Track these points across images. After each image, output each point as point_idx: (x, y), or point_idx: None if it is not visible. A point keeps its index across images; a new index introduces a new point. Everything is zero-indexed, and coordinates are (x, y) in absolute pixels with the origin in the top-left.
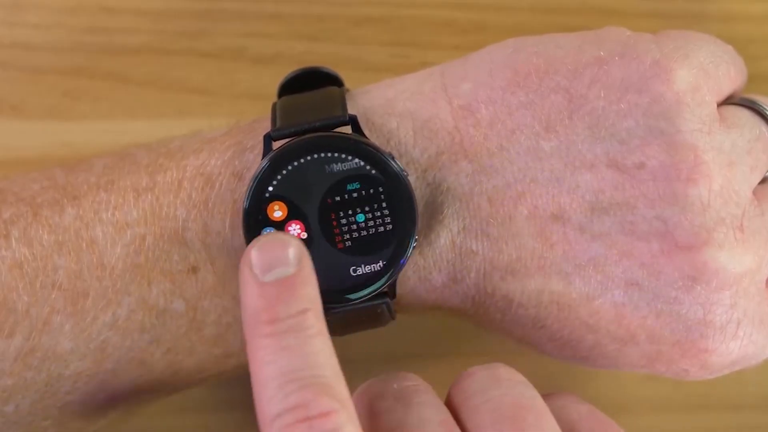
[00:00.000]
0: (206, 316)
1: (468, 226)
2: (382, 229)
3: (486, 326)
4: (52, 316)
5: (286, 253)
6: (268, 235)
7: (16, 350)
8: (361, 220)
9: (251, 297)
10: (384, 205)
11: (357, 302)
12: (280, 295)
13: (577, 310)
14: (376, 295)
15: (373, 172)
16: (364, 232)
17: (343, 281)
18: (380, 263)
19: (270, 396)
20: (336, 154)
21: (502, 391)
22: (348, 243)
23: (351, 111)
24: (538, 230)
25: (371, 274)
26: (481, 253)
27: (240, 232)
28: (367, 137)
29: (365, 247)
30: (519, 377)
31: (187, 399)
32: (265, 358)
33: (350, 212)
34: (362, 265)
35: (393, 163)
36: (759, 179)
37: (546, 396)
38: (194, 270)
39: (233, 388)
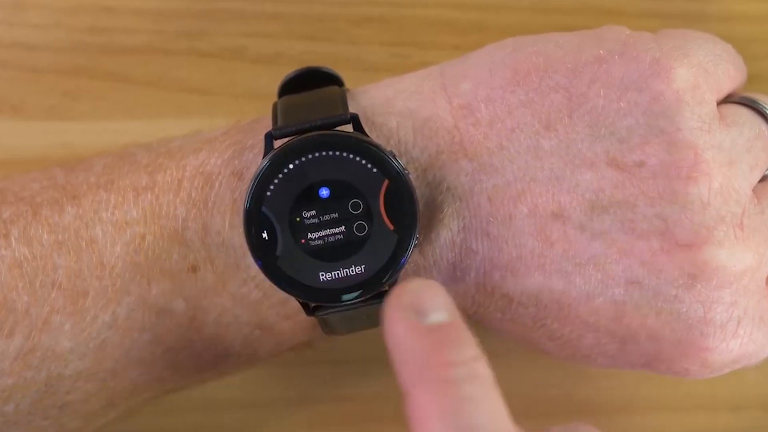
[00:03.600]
0: (206, 315)
1: (468, 225)
2: (383, 228)
3: (486, 325)
4: (52, 315)
5: (441, 300)
6: (418, 280)
7: (16, 350)
8: (363, 219)
9: (413, 339)
10: (384, 204)
11: (358, 302)
12: (451, 338)
13: (578, 309)
14: (377, 294)
15: (375, 170)
16: (365, 231)
17: (343, 280)
18: (381, 263)
19: None
20: (337, 153)
21: None
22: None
23: (351, 110)
24: (538, 229)
25: (372, 272)
26: (481, 252)
27: (240, 231)
28: (368, 136)
29: (366, 246)
30: None
31: (187, 399)
32: (440, 409)
33: (351, 211)
34: (363, 264)
35: (394, 161)
36: (759, 177)
37: None
38: (194, 269)
39: (233, 388)
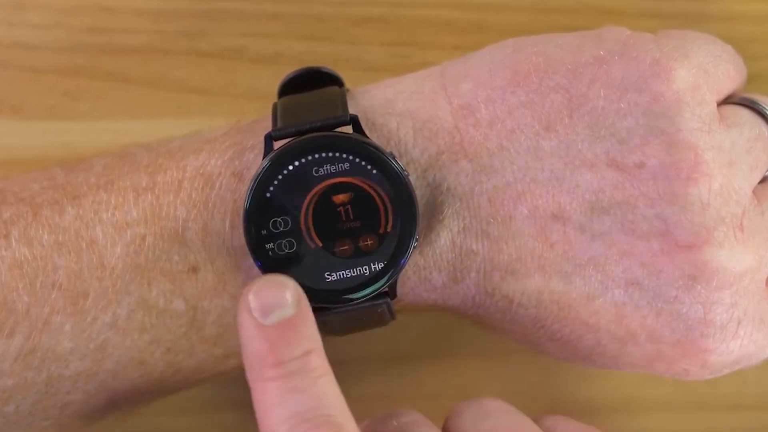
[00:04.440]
0: (206, 316)
1: (468, 225)
2: (382, 229)
3: (486, 326)
4: (52, 316)
5: (284, 295)
6: (264, 278)
7: (16, 350)
8: (362, 220)
9: (253, 340)
10: (385, 205)
11: (358, 302)
12: (283, 337)
13: (578, 310)
14: (377, 295)
15: (374, 171)
16: (365, 233)
17: (343, 281)
18: (381, 263)
19: None
20: (337, 154)
21: (493, 422)
22: (349, 243)
23: (351, 111)
24: (538, 230)
25: (372, 273)
26: (482, 252)
27: (240, 232)
28: (368, 137)
29: (366, 247)
30: (506, 406)
31: (187, 399)
32: (272, 401)
33: (351, 212)
34: (363, 265)
35: (394, 163)
36: (759, 178)
37: (536, 418)
38: (194, 270)
39: (233, 388)
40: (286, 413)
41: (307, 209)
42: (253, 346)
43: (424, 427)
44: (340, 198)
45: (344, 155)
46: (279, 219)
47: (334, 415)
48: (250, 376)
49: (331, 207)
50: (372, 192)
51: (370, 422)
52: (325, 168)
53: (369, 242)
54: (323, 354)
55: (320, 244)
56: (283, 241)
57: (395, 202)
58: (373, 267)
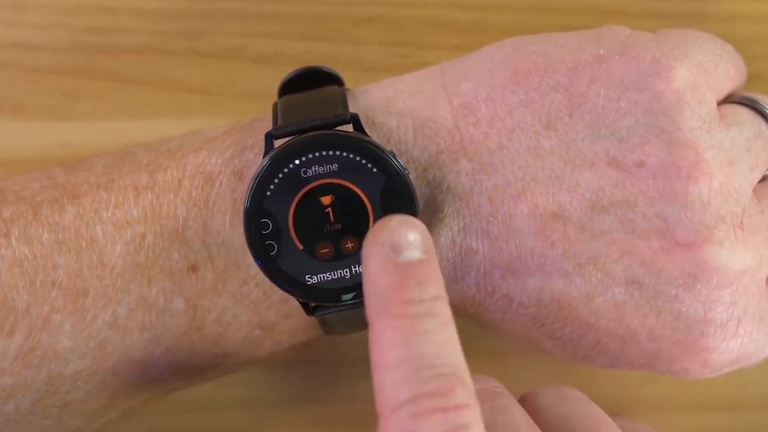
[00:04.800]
0: (206, 314)
1: (468, 224)
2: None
3: (486, 325)
4: (52, 314)
5: (417, 237)
6: (400, 216)
7: (16, 349)
8: (362, 219)
9: (384, 274)
10: (385, 203)
11: (357, 301)
12: (416, 277)
13: (578, 309)
14: None
15: (375, 170)
16: (365, 231)
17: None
18: None
19: (399, 380)
20: (337, 153)
21: (572, 408)
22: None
23: (352, 110)
24: (538, 229)
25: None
26: (482, 251)
27: (240, 230)
28: (368, 135)
29: (347, 250)
30: (585, 398)
31: (187, 399)
32: (395, 339)
33: (351, 211)
34: (343, 268)
35: (394, 161)
36: (759, 177)
37: (616, 416)
38: (194, 269)
39: (233, 388)
40: (410, 354)
41: (301, 208)
42: (383, 280)
43: (507, 397)
44: (339, 196)
45: (344, 154)
46: (279, 218)
47: (459, 367)
48: (372, 311)
49: (321, 206)
50: (372, 191)
51: None
52: (324, 166)
53: (350, 245)
54: (448, 304)
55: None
56: (283, 240)
57: (395, 200)
58: (354, 269)
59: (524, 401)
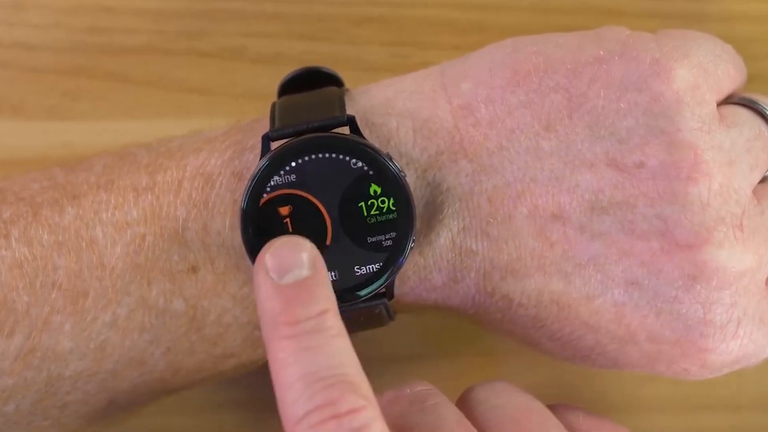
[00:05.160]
0: (206, 315)
1: (468, 225)
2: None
3: (486, 326)
4: (52, 315)
5: (300, 256)
6: (281, 238)
7: (16, 350)
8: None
9: (269, 300)
10: (381, 206)
11: (354, 303)
12: (299, 297)
13: (577, 310)
14: (374, 295)
15: (371, 173)
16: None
17: (341, 282)
18: (378, 264)
19: (295, 397)
20: (333, 155)
21: (505, 399)
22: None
23: (350, 111)
24: (537, 230)
25: (369, 274)
26: (481, 252)
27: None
28: (365, 138)
29: (363, 248)
30: (519, 389)
31: (187, 399)
32: (287, 360)
33: (348, 212)
34: (360, 266)
35: (390, 163)
36: (759, 178)
37: (553, 407)
38: (194, 270)
39: (233, 388)
40: (300, 371)
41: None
42: (269, 305)
43: (438, 396)
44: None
45: (340, 156)
46: (276, 219)
47: (348, 374)
48: (265, 335)
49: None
50: (368, 193)
51: (384, 392)
52: (321, 168)
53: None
54: (338, 315)
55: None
56: None
57: (392, 203)
58: (370, 268)
59: (461, 399)
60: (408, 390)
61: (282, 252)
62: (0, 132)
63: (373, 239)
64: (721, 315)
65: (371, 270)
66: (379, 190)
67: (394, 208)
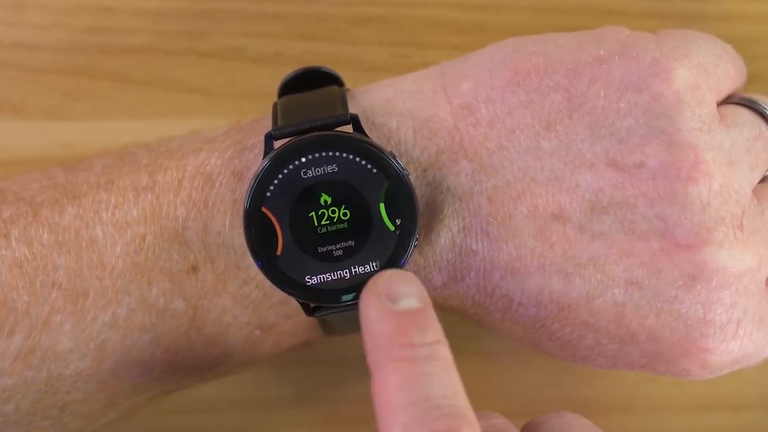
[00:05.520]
0: (206, 315)
1: (468, 225)
2: (383, 228)
3: (486, 325)
4: (52, 315)
5: (412, 288)
6: (393, 270)
7: (16, 349)
8: (362, 220)
9: (383, 322)
10: (385, 204)
11: (357, 302)
12: (416, 322)
13: (577, 310)
14: None
15: (375, 171)
16: (365, 232)
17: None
18: (380, 263)
19: (406, 422)
20: (337, 153)
21: None
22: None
23: (351, 110)
24: (538, 229)
25: (371, 273)
26: (481, 252)
27: (240, 231)
28: (368, 136)
29: (366, 247)
30: (588, 422)
31: (187, 399)
32: (399, 383)
33: (351, 212)
34: (362, 265)
35: (394, 162)
36: (759, 178)
37: None
38: (194, 269)
39: (233, 388)
40: (412, 397)
41: (301, 209)
42: (383, 327)
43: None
44: (339, 198)
45: (344, 154)
46: (278, 218)
47: (460, 407)
48: (375, 357)
49: (331, 206)
50: (372, 192)
51: None
52: (324, 167)
53: (350, 245)
54: (449, 350)
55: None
56: (283, 241)
57: (395, 201)
58: (373, 266)
59: (527, 430)
60: (483, 422)
61: (396, 281)
62: (0, 132)
63: (323, 249)
64: (721, 315)
65: (373, 269)
66: (329, 200)
67: (345, 218)
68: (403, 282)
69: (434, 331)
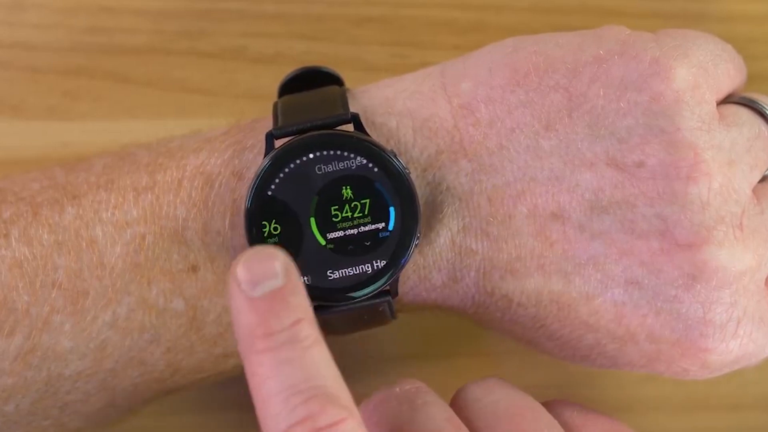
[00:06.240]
0: (206, 315)
1: (468, 225)
2: (384, 227)
3: (486, 325)
4: (52, 315)
5: (273, 266)
6: (253, 249)
7: (16, 349)
8: (364, 218)
9: (242, 314)
10: (386, 203)
11: (359, 300)
12: (272, 309)
13: (577, 309)
14: (378, 293)
15: (376, 170)
16: (366, 231)
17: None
18: (382, 261)
19: (275, 412)
20: (338, 152)
21: (498, 396)
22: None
23: (352, 109)
24: (537, 229)
25: (373, 273)
26: (481, 252)
27: (240, 231)
28: (369, 135)
29: (367, 246)
30: (511, 385)
31: (187, 399)
32: (264, 374)
33: (353, 210)
34: (364, 264)
35: (395, 161)
36: (758, 178)
37: (548, 403)
38: (194, 269)
39: (233, 388)
40: (279, 386)
41: (308, 207)
42: (243, 319)
43: (428, 395)
44: (340, 196)
45: (345, 153)
46: (280, 218)
47: (326, 385)
48: (242, 349)
49: (333, 205)
50: (373, 190)
51: (374, 392)
52: (326, 166)
53: (370, 241)
54: (314, 323)
55: (323, 243)
56: (285, 240)
57: (396, 200)
58: (375, 265)
59: (454, 398)
60: (398, 389)
61: (254, 263)
62: (0, 132)
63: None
64: (720, 314)
65: (375, 267)
66: (329, 200)
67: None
68: (262, 261)
69: (293, 311)
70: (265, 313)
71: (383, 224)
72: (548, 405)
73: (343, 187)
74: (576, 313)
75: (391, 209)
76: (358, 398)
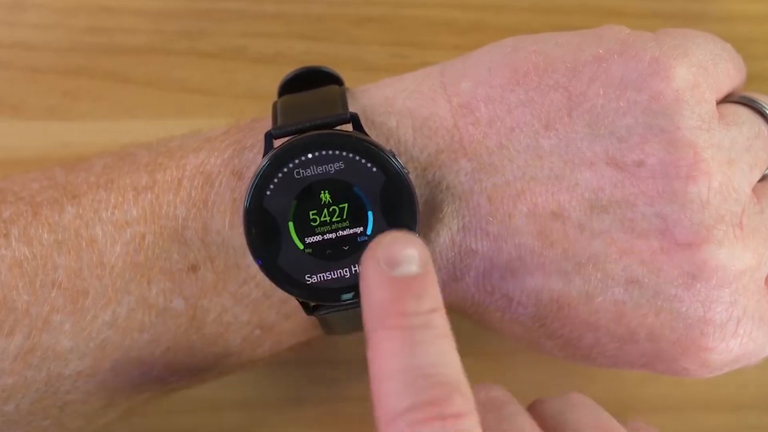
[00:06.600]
0: (206, 315)
1: (467, 224)
2: (382, 227)
3: (486, 325)
4: (52, 314)
5: (414, 252)
6: (395, 232)
7: (16, 349)
8: (362, 219)
9: (380, 289)
10: (385, 203)
11: (357, 301)
12: (411, 290)
13: (577, 309)
14: None
15: (375, 169)
16: (365, 231)
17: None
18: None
19: (397, 389)
20: (337, 152)
21: (581, 414)
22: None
23: (351, 109)
24: (537, 228)
25: (351, 276)
26: (481, 251)
27: (240, 230)
28: (368, 135)
29: (345, 250)
30: (593, 403)
31: (187, 399)
32: (391, 350)
33: (351, 210)
34: (342, 268)
35: (394, 161)
36: (758, 177)
37: (625, 422)
38: (194, 269)
39: (233, 388)
40: (405, 364)
41: (299, 207)
42: (379, 295)
43: (513, 405)
44: (339, 197)
45: (344, 153)
46: (279, 217)
47: (451, 375)
48: (370, 324)
49: (320, 206)
50: (372, 190)
51: None
52: (324, 166)
53: (349, 244)
54: (446, 317)
55: (300, 247)
56: (285, 240)
57: (395, 200)
58: (353, 269)
59: (532, 409)
60: (483, 394)
61: (397, 245)
62: (0, 132)
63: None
64: (720, 313)
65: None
66: (329, 199)
67: (345, 217)
68: (403, 246)
69: (431, 300)
70: (403, 292)
71: (361, 229)
72: (627, 425)
73: (342, 188)
74: (576, 313)
75: (370, 213)
76: (360, 399)
